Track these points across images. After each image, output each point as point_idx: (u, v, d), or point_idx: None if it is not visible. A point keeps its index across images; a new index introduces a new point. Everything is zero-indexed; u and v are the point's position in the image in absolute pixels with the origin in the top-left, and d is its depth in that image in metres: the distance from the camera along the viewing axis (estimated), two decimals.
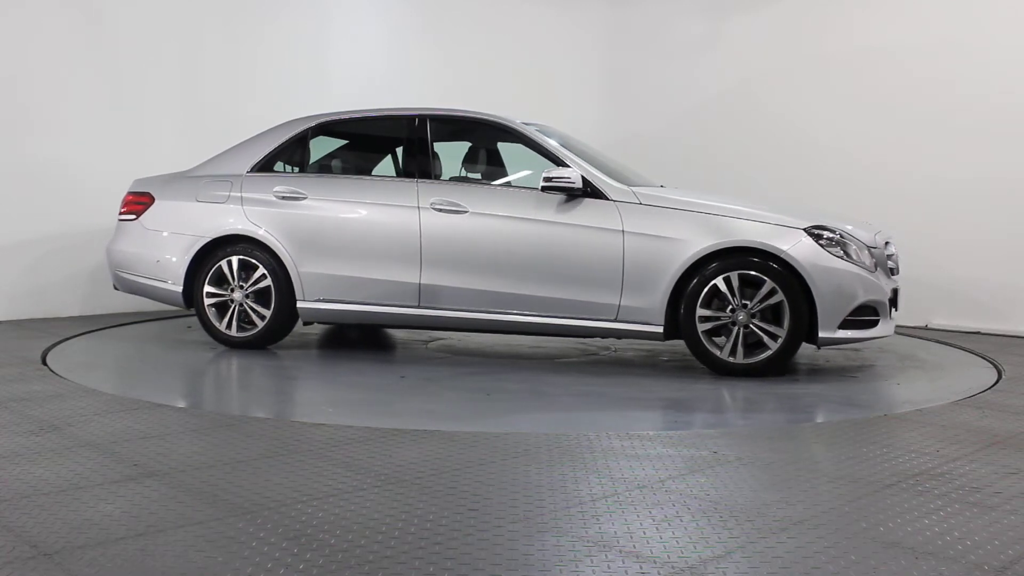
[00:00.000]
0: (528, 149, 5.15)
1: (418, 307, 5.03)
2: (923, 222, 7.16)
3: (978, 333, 6.74)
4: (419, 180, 5.11)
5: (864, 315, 4.61)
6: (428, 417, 3.67)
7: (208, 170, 5.57)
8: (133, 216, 5.59)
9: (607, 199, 4.77)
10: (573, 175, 4.74)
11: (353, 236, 5.13)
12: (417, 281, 4.99)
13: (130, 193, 5.72)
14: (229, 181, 5.41)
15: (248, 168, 5.43)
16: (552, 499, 2.50)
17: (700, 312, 4.58)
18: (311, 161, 5.57)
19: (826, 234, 4.58)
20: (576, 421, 3.76)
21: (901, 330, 6.91)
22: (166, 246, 5.43)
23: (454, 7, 8.99)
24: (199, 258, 5.33)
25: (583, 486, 2.63)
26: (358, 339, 6.06)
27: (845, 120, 7.74)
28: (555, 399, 4.14)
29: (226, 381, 4.71)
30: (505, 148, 5.67)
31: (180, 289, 5.36)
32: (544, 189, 4.77)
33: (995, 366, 5.17)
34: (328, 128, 5.61)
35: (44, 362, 4.88)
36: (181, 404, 3.99)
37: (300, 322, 5.44)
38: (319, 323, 5.72)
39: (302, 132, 5.48)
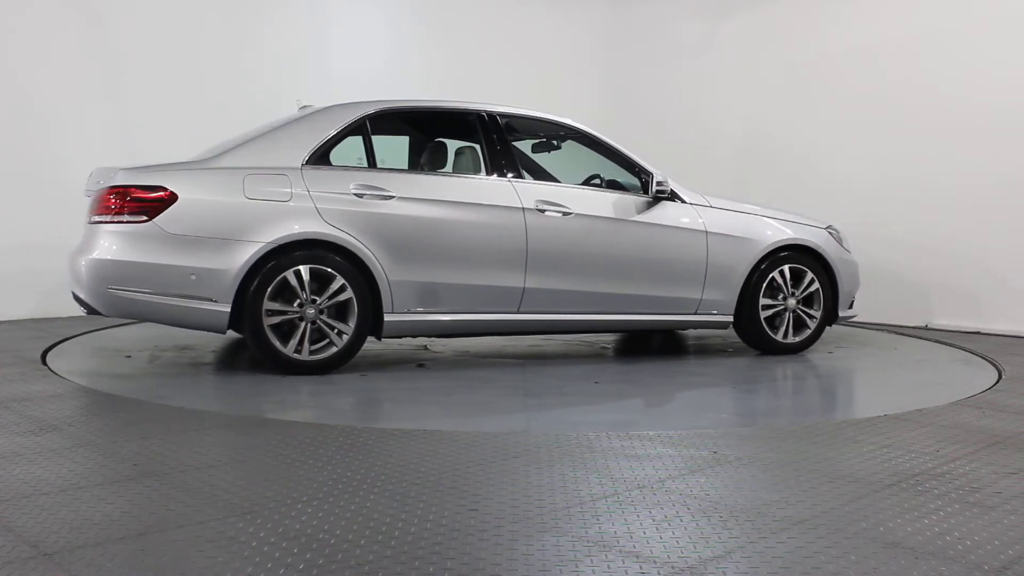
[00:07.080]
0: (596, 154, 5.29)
1: (517, 312, 4.83)
2: (923, 222, 7.16)
3: (978, 333, 6.74)
4: (512, 180, 4.87)
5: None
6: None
7: (237, 160, 4.52)
8: (143, 216, 4.29)
9: (684, 202, 5.22)
10: (666, 180, 5.10)
11: (454, 239, 4.68)
12: (521, 285, 4.78)
13: (120, 187, 4.34)
14: (286, 175, 4.48)
15: (302, 160, 4.55)
16: (552, 499, 2.50)
17: (762, 301, 5.28)
18: (376, 154, 4.82)
19: (836, 233, 5.60)
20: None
21: (902, 330, 6.92)
22: (207, 255, 4.30)
23: (454, 7, 8.99)
24: (254, 270, 4.36)
25: (583, 486, 2.63)
26: None
27: (844, 120, 7.74)
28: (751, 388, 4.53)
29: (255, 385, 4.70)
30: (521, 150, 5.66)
31: (228, 309, 4.32)
32: (658, 193, 5.09)
33: (995, 366, 5.17)
34: (388, 118, 5.01)
35: (44, 362, 4.88)
36: (187, 405, 3.98)
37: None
38: (401, 337, 5.09)
39: (358, 121, 4.76)
